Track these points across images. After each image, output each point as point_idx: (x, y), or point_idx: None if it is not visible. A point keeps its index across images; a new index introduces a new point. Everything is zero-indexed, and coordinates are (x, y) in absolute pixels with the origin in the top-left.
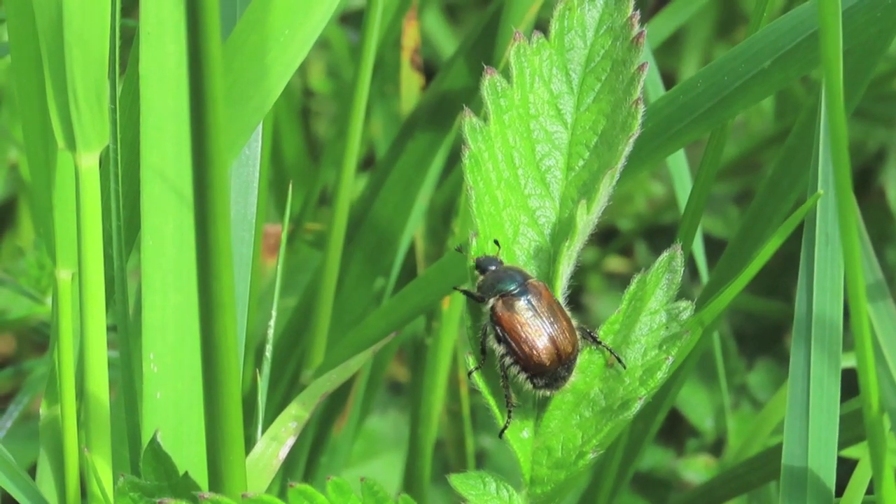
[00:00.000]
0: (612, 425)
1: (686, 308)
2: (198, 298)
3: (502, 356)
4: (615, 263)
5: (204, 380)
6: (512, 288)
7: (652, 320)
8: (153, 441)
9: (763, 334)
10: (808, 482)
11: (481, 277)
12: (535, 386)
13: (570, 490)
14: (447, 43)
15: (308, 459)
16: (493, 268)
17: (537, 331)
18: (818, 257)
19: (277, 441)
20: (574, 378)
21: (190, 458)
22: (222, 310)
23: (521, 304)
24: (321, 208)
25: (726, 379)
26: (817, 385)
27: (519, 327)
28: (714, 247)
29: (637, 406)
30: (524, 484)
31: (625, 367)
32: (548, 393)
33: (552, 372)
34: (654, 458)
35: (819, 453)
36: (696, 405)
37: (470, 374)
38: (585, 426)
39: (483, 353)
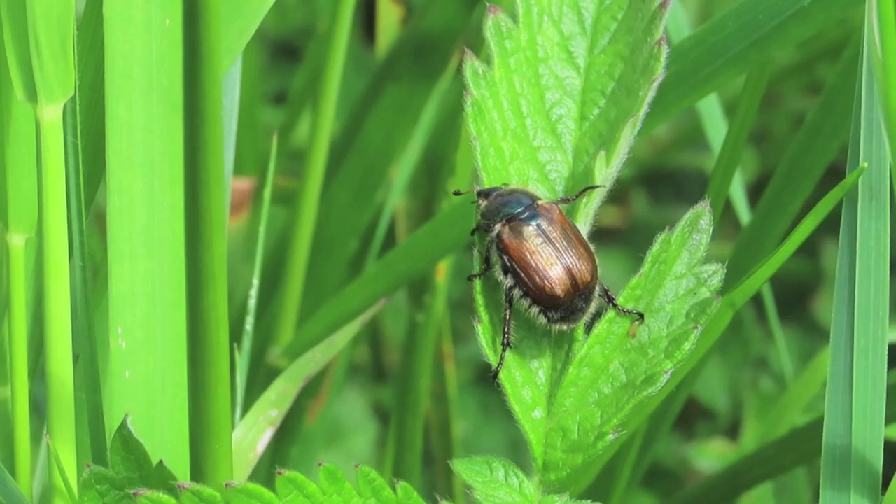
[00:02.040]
0: (634, 402)
1: (716, 272)
2: (185, 269)
3: (510, 288)
4: (610, 215)
5: (189, 360)
6: (519, 210)
7: (678, 285)
8: (122, 427)
9: (786, 298)
10: (853, 463)
11: (485, 202)
12: (549, 320)
13: (587, 476)
14: None
15: (274, 451)
16: (498, 191)
17: (549, 259)
18: (861, 213)
19: (256, 430)
20: (589, 313)
21: (163, 445)
22: (213, 282)
23: (531, 229)
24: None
25: (743, 351)
26: (861, 358)
27: (528, 255)
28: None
29: (663, 381)
30: (536, 469)
31: (637, 318)
32: (564, 327)
33: (568, 304)
34: (659, 444)
35: (864, 431)
36: (708, 382)
37: (470, 278)
38: (605, 404)
39: (484, 273)
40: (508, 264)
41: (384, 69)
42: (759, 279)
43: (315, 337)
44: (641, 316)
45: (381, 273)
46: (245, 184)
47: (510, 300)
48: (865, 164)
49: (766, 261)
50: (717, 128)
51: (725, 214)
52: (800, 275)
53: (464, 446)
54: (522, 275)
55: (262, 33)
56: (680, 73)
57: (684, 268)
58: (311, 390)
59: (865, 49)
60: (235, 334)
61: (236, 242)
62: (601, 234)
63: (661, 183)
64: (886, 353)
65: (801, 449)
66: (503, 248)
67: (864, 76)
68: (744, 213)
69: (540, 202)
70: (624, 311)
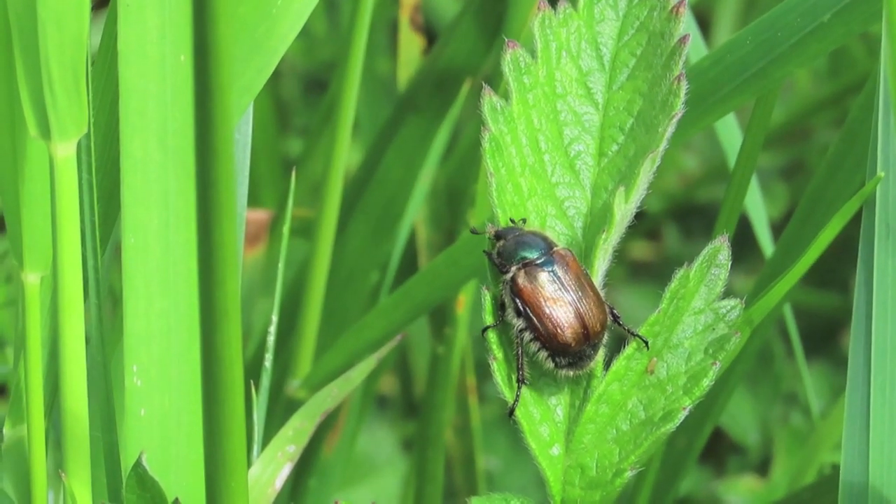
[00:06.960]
0: (652, 439)
1: (735, 307)
2: (199, 306)
3: (521, 331)
4: (640, 249)
5: (204, 398)
6: (536, 256)
7: (696, 321)
8: (138, 464)
9: (816, 332)
10: (870, 501)
11: (502, 242)
12: (556, 365)
13: None
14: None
15: (294, 482)
16: (515, 234)
17: (563, 306)
18: (878, 251)
19: (274, 466)
20: (602, 368)
21: (178, 483)
22: (226, 319)
23: (546, 275)
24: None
25: (773, 386)
26: (878, 395)
27: (542, 302)
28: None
29: (681, 417)
30: None
31: (647, 346)
32: (570, 374)
33: (577, 351)
34: (689, 479)
35: (881, 470)
36: (738, 417)
37: (484, 331)
38: (623, 441)
39: (500, 319)
40: (521, 308)
41: (405, 100)
42: (778, 293)
43: (334, 368)
44: (646, 341)
45: (400, 302)
46: (262, 215)
47: (520, 343)
48: (882, 174)
49: (785, 274)
50: (735, 149)
51: (752, 248)
52: (830, 310)
53: (492, 481)
54: (535, 320)
55: (292, 67)
56: (698, 92)
57: (702, 303)
58: (328, 421)
59: (882, 82)
60: (255, 368)
61: (254, 273)
62: (633, 269)
63: (692, 217)
64: None
65: (832, 493)
66: (517, 292)
67: (881, 108)
68: (767, 245)
69: (557, 248)
70: (635, 334)
